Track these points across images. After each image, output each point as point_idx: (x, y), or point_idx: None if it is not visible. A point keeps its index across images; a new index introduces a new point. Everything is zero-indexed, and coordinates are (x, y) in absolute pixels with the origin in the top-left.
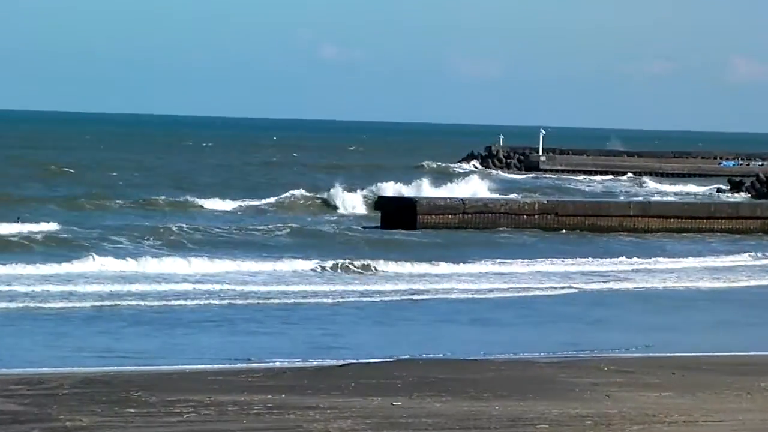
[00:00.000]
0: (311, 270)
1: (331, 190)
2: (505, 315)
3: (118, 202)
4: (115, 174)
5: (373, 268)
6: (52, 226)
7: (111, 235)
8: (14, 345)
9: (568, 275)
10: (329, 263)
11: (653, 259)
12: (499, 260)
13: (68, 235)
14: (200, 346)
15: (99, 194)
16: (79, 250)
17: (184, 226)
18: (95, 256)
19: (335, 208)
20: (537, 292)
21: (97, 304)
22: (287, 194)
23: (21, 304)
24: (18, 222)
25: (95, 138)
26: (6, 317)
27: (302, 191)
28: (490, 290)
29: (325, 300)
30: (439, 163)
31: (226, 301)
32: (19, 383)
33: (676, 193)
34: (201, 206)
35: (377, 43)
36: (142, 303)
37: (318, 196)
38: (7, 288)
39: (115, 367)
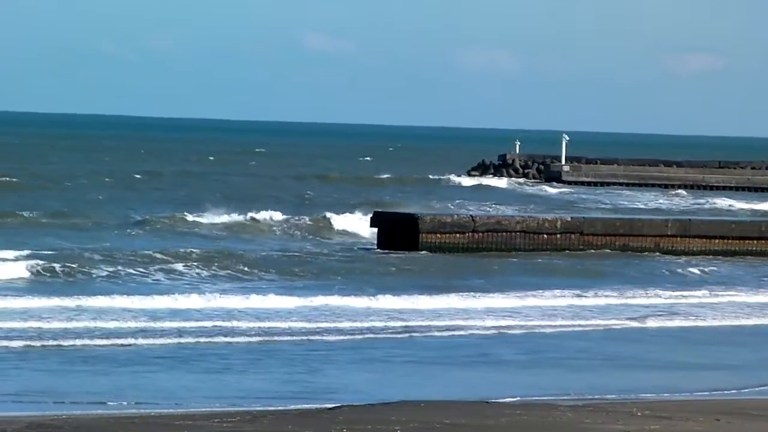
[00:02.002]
0: (294, 306)
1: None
2: (517, 353)
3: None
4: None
5: (367, 299)
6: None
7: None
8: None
9: (585, 308)
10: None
11: (702, 291)
12: (515, 293)
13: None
14: (161, 386)
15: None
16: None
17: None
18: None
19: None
20: (548, 328)
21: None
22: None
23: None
24: None
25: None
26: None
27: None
28: (502, 327)
29: (309, 337)
30: (432, 176)
31: (190, 339)
32: None
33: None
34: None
35: (373, 36)
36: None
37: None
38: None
39: (66, 411)
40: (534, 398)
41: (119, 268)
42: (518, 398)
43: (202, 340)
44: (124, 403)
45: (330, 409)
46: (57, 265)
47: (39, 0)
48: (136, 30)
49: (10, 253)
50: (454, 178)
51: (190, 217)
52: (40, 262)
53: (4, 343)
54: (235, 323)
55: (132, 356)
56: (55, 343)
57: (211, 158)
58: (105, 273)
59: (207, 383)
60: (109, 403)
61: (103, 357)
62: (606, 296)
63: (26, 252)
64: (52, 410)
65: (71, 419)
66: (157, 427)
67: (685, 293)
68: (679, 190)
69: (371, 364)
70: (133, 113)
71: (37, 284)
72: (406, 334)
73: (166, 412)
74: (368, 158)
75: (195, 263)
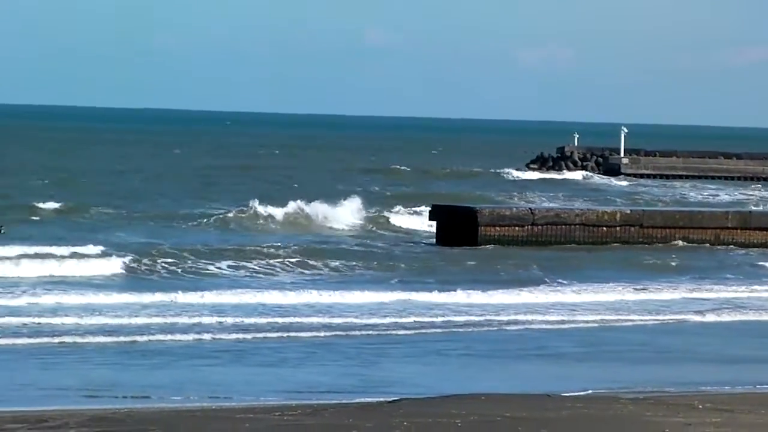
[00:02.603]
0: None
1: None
2: (576, 346)
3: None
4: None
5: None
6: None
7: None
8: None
9: (646, 301)
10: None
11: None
12: (574, 287)
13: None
14: (227, 380)
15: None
16: None
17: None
18: None
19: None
20: (609, 322)
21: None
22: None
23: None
24: (1, 232)
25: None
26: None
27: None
28: (562, 321)
29: (368, 332)
30: (493, 169)
31: (248, 335)
32: (16, 421)
33: None
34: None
35: (432, 30)
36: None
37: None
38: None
39: (129, 405)
40: (595, 391)
41: (203, 263)
42: (579, 391)
43: (272, 335)
44: (185, 396)
45: (390, 402)
46: (148, 261)
47: None
48: (194, 22)
49: (93, 249)
50: (514, 172)
51: (263, 211)
52: (131, 257)
53: (72, 339)
54: (296, 319)
55: (193, 350)
56: (129, 339)
57: (276, 152)
58: (193, 268)
59: (262, 377)
60: (171, 397)
61: (169, 351)
62: (666, 289)
63: (116, 247)
64: (114, 404)
65: (133, 413)
66: (218, 420)
67: (747, 286)
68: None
69: (428, 358)
70: (196, 107)
71: (131, 280)
72: (467, 328)
73: (227, 405)
74: (434, 151)
75: (267, 259)
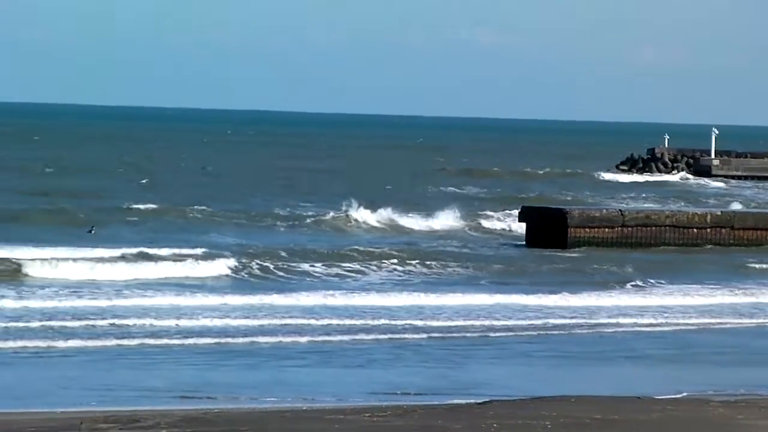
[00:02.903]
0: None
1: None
2: (666, 349)
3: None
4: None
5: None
6: None
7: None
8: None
9: (738, 304)
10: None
11: None
12: (665, 290)
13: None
14: (317, 381)
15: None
16: None
17: None
18: None
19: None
20: (699, 325)
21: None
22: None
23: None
24: (92, 232)
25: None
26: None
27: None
28: (650, 324)
29: (453, 334)
30: (586, 170)
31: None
32: (107, 421)
33: None
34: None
35: (538, 30)
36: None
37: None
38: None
39: (219, 405)
40: (686, 394)
41: (299, 264)
42: (670, 394)
43: (361, 336)
44: (276, 397)
45: (479, 403)
46: (254, 263)
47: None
48: (304, 25)
49: (197, 250)
50: (606, 173)
51: (358, 214)
52: (235, 259)
53: (164, 341)
54: (385, 321)
55: (279, 351)
56: (222, 340)
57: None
58: (291, 269)
59: (348, 377)
60: (261, 398)
61: (259, 352)
62: (757, 292)
63: (218, 248)
64: (205, 404)
65: (223, 413)
66: (308, 421)
67: None
68: None
69: (517, 360)
70: (292, 109)
71: (235, 282)
72: (556, 330)
73: (316, 406)
74: (528, 153)
75: (361, 261)
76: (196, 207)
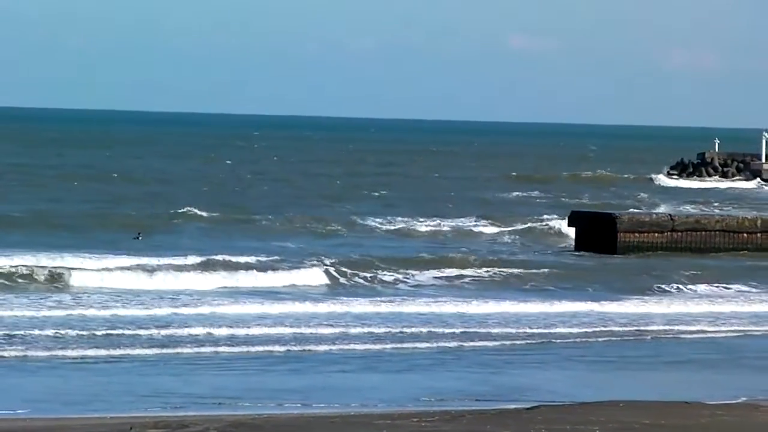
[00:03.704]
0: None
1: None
2: (716, 355)
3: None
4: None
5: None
6: None
7: None
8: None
9: None
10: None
11: None
12: (712, 297)
13: None
14: (362, 386)
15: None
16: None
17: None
18: None
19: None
20: (752, 332)
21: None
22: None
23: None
24: (138, 238)
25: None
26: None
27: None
28: (702, 330)
29: (503, 342)
30: (626, 175)
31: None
32: (157, 426)
33: None
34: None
35: (574, 35)
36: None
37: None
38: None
39: (268, 411)
40: (735, 400)
41: (386, 273)
42: (719, 399)
43: (405, 345)
44: (324, 403)
45: (528, 409)
46: (349, 271)
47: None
48: (337, 31)
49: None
50: (662, 178)
51: (421, 227)
52: (333, 268)
53: (208, 348)
54: (433, 328)
55: (332, 357)
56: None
57: (415, 159)
58: (388, 278)
59: (393, 383)
60: (311, 403)
61: (310, 358)
62: None
63: (321, 257)
64: (253, 410)
65: (271, 419)
66: (356, 426)
67: None
68: None
69: (565, 364)
70: (332, 114)
71: (335, 289)
72: (605, 337)
73: (365, 411)
74: (591, 153)
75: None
76: (261, 214)
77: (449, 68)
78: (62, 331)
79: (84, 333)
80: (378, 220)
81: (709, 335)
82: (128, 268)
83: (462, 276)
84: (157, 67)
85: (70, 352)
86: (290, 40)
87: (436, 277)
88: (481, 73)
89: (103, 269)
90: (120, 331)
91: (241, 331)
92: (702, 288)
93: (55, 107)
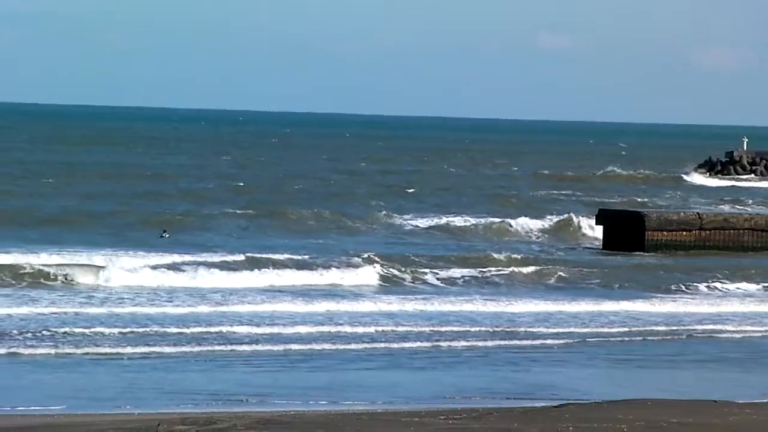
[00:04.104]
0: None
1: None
2: (743, 354)
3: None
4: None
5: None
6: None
7: None
8: None
9: None
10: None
11: None
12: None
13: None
14: (389, 383)
15: None
16: None
17: None
18: None
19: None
20: None
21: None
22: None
23: None
24: (164, 235)
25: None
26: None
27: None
28: (730, 330)
29: (531, 341)
30: (650, 172)
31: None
32: (185, 423)
33: None
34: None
35: (606, 34)
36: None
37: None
38: None
39: (295, 408)
40: (764, 399)
41: (418, 271)
42: (747, 398)
43: (432, 343)
44: (348, 401)
45: (555, 407)
46: (396, 270)
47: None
48: (366, 28)
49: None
50: (692, 176)
51: (456, 222)
52: (384, 267)
53: (240, 347)
54: (460, 327)
55: (359, 354)
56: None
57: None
58: (419, 276)
59: (419, 381)
60: (338, 400)
61: (332, 356)
62: None
63: (372, 255)
64: (281, 407)
65: (299, 415)
66: (383, 423)
67: None
68: None
69: (593, 362)
70: (354, 111)
71: (387, 288)
72: (628, 337)
73: (392, 408)
74: (623, 151)
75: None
76: (313, 210)
77: (477, 66)
78: (95, 329)
79: (114, 330)
80: (407, 216)
81: (739, 334)
82: (169, 266)
83: (491, 274)
84: (176, 65)
85: (100, 349)
86: (321, 38)
87: (465, 275)
88: (509, 71)
89: (141, 267)
90: (157, 329)
91: (269, 330)
92: (731, 287)
93: (79, 104)
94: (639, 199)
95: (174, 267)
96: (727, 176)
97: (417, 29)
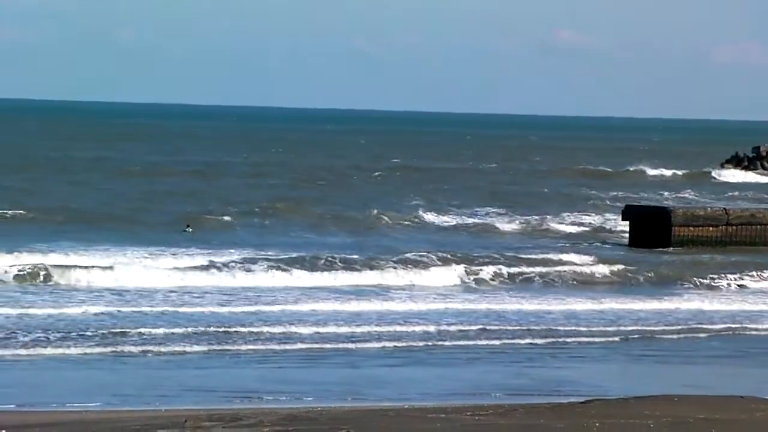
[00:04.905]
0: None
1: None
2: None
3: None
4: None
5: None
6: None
7: None
8: None
9: None
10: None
11: None
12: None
13: None
14: (412, 379)
15: None
16: None
17: None
18: None
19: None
20: None
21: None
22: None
23: None
24: (188, 230)
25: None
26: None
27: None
28: (756, 329)
29: (551, 339)
30: (678, 171)
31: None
32: (211, 419)
33: None
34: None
35: (623, 31)
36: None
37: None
38: None
39: (322, 404)
40: None
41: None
42: None
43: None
44: (376, 396)
45: (582, 403)
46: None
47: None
48: (383, 25)
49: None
50: (719, 171)
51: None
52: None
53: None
54: (478, 326)
55: (385, 350)
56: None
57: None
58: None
59: (444, 378)
60: (364, 396)
61: (353, 353)
62: None
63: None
64: (308, 403)
65: (326, 411)
66: (410, 419)
67: None
68: None
69: (621, 359)
70: (380, 107)
71: (466, 290)
72: (655, 335)
73: (418, 404)
74: (630, 150)
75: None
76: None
77: (501, 62)
78: (120, 329)
79: (142, 330)
80: (431, 214)
81: (766, 331)
82: (199, 267)
83: (521, 273)
84: (194, 64)
85: (127, 348)
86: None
87: (495, 273)
88: (531, 68)
89: (182, 267)
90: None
91: (303, 329)
92: (758, 283)
93: (100, 101)
94: (666, 194)
95: (227, 266)
96: (754, 171)
97: (429, 27)
